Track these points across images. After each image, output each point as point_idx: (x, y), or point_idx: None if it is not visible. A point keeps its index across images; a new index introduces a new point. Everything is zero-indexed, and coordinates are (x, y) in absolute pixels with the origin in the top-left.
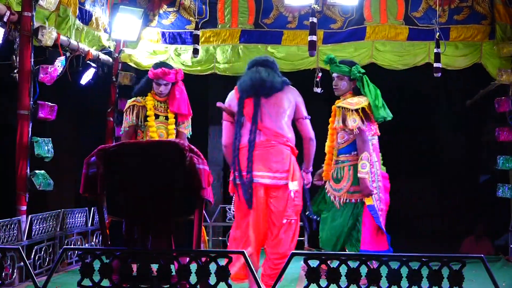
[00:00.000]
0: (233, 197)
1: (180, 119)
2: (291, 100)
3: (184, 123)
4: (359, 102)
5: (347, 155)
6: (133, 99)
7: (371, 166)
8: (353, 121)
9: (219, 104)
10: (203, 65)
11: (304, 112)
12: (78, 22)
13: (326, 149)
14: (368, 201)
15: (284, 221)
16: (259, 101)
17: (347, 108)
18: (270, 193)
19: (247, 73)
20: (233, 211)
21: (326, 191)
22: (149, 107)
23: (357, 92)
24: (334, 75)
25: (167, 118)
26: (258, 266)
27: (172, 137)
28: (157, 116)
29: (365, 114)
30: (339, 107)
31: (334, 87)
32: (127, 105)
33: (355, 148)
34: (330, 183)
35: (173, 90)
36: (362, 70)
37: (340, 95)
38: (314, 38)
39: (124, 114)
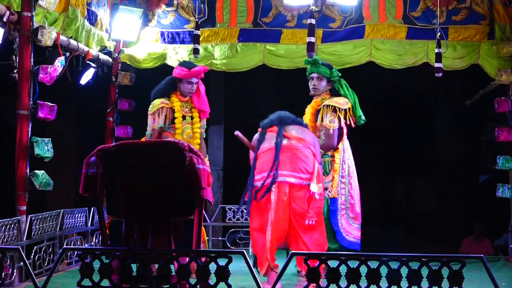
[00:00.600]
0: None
1: (202, 117)
2: (312, 136)
3: (201, 122)
4: (345, 102)
5: (332, 150)
6: (160, 100)
7: (343, 163)
8: (332, 122)
9: (237, 133)
10: (200, 62)
11: (319, 157)
12: (86, 23)
13: None
14: (334, 195)
15: (307, 222)
16: (283, 126)
17: (336, 107)
18: (293, 193)
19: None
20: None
21: None
22: (176, 109)
23: (334, 93)
24: (314, 75)
25: (191, 118)
26: (274, 263)
27: (197, 137)
28: (183, 117)
29: (347, 114)
30: (327, 105)
31: (313, 86)
32: (155, 107)
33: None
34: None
35: (197, 87)
36: (339, 74)
37: (317, 95)
38: (312, 39)
39: (151, 116)
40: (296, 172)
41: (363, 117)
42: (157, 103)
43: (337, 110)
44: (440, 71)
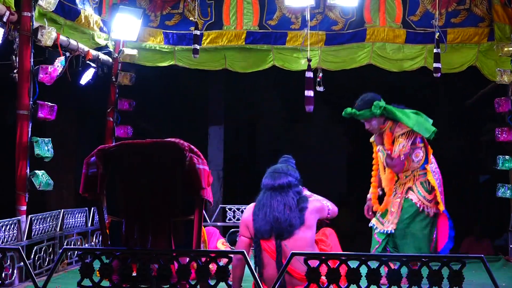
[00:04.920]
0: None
1: None
2: None
3: None
4: (401, 128)
5: (424, 169)
6: None
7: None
8: (401, 146)
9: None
10: (211, 64)
11: None
12: (54, 15)
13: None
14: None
15: None
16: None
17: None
18: None
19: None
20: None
21: (414, 203)
22: None
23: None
24: (362, 121)
25: None
26: None
27: None
28: None
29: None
30: (403, 134)
31: (368, 130)
32: None
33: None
34: (423, 194)
35: None
36: (382, 103)
37: (378, 132)
38: (310, 93)
39: None
40: None
41: (430, 132)
42: None
43: (400, 136)
44: (439, 71)
